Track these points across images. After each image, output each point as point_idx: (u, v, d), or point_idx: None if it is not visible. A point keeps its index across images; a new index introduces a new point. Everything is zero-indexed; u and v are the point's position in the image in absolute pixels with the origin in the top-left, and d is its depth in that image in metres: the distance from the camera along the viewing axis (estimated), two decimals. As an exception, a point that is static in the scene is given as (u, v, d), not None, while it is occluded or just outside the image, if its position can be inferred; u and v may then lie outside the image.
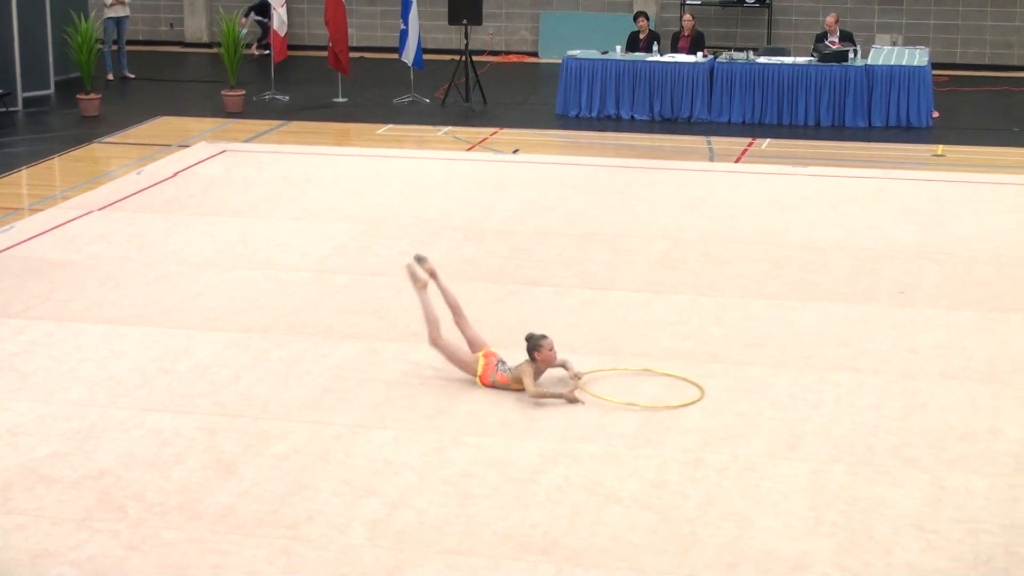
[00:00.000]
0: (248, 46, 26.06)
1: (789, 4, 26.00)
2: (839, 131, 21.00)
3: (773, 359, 11.97)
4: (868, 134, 20.84)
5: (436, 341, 11.31)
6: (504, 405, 10.96)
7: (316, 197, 16.97)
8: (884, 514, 9.25)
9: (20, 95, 22.05)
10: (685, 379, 11.38)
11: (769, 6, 25.84)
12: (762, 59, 21.79)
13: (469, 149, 19.74)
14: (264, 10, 25.95)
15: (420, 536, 8.98)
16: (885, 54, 21.95)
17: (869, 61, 21.47)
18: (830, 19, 22.59)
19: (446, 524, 9.12)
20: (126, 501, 9.42)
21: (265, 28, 26.25)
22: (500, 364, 11.21)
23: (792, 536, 8.98)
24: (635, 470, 9.88)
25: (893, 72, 21.16)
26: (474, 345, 11.37)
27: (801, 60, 21.72)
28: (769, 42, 25.39)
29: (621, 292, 13.67)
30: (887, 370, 11.71)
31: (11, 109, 21.64)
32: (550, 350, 11.08)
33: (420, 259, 11.53)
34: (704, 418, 10.74)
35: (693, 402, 10.98)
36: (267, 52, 25.51)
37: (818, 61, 21.51)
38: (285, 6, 23.36)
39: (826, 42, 22.18)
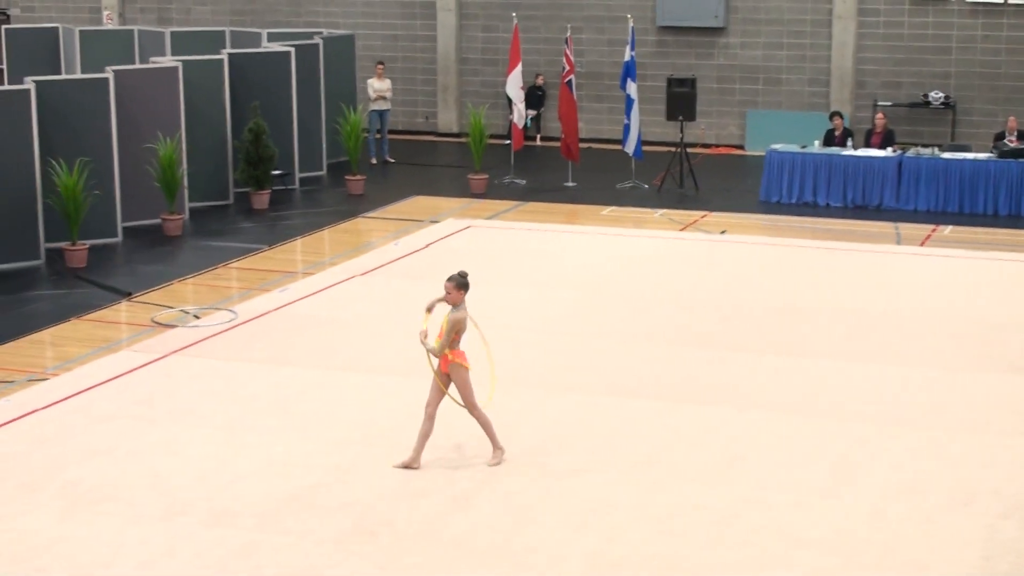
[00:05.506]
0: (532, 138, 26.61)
1: (972, 106, 25.46)
2: (1015, 220, 20.48)
3: (952, 423, 11.69)
4: (1043, 224, 20.30)
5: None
6: (703, 456, 10.91)
7: (547, 268, 17.11)
8: (1052, 567, 8.97)
9: (297, 175, 22.69)
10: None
11: (953, 107, 25.35)
12: (946, 154, 21.42)
13: (682, 229, 19.71)
14: (533, 103, 26.37)
15: (630, 571, 8.97)
16: (1063, 152, 21.36)
17: (1046, 158, 20.94)
18: (1011, 122, 22.08)
19: (652, 558, 9.09)
20: (377, 527, 9.59)
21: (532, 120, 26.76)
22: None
23: (966, 584, 8.77)
24: (822, 517, 9.73)
25: (1069, 169, 20.62)
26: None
27: (982, 156, 21.29)
28: (953, 139, 24.88)
29: (814, 359, 13.50)
30: (1058, 437, 11.36)
31: (289, 187, 22.26)
32: (448, 293, 11.07)
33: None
34: (889, 473, 10.55)
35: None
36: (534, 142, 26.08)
37: (997, 157, 21.05)
38: (524, 102, 23.68)
39: (1005, 140, 21.70)
